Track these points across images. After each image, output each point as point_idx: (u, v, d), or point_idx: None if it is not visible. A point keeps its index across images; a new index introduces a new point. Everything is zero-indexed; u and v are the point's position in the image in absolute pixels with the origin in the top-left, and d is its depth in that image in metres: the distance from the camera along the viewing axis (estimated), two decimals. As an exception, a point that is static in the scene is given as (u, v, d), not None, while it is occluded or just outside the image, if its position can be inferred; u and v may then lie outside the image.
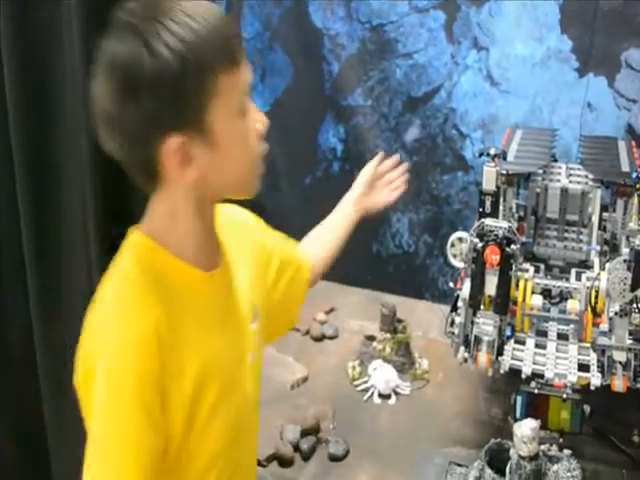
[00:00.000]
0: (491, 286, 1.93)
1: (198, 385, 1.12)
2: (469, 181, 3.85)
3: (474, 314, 1.95)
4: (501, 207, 2.14)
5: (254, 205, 4.91)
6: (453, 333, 2.02)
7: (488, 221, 1.96)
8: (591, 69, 3.30)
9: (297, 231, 4.60)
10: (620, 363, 1.76)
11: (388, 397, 2.55)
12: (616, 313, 1.81)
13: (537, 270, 2.19)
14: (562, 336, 1.99)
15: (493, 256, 1.87)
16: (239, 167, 1.23)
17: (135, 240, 1.18)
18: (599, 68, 3.30)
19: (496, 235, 1.90)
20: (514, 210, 2.34)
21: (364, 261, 4.06)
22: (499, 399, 2.32)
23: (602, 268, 1.96)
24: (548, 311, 2.03)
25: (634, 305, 1.76)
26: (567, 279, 2.18)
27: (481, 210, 2.12)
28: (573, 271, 2.22)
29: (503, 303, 1.93)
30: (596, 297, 1.89)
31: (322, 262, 1.91)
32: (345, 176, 3.83)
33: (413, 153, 3.64)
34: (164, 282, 1.15)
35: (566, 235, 2.33)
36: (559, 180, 2.34)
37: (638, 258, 1.69)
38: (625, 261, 1.72)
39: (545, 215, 2.35)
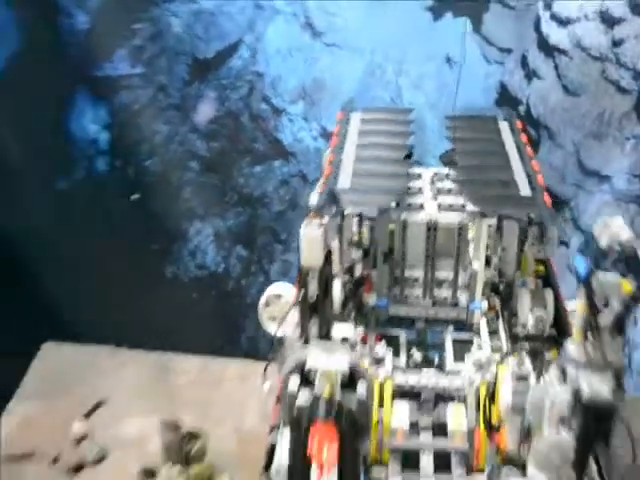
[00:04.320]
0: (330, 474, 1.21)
1: None
2: (290, 172, 3.06)
3: None
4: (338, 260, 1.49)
5: None
6: None
7: (314, 352, 1.26)
8: (449, 7, 2.49)
9: (47, 258, 3.57)
10: None
11: None
12: None
13: (396, 349, 1.54)
14: (442, 461, 1.39)
15: (324, 452, 1.16)
16: None
17: None
18: (460, 6, 2.50)
19: (329, 406, 1.19)
20: (360, 244, 1.63)
21: (154, 292, 3.12)
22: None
23: (501, 359, 1.40)
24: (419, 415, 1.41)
25: None
26: (440, 357, 1.55)
27: (302, 297, 1.35)
28: (448, 340, 1.58)
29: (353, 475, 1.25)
30: (491, 394, 1.35)
31: None
32: (115, 176, 2.85)
33: (210, 139, 2.71)
34: None
35: (436, 282, 1.59)
36: (423, 206, 1.59)
37: (591, 415, 1.15)
38: (563, 422, 1.20)
39: (405, 261, 1.58)
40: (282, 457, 1.40)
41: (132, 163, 3.26)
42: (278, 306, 1.57)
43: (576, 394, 1.27)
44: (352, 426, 1.29)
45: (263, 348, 2.79)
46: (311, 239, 1.49)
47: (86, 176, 3.41)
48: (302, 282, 1.57)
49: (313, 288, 1.54)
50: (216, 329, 3.03)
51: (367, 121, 2.11)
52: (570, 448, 1.26)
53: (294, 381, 1.32)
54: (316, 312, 1.60)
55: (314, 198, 1.61)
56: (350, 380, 1.41)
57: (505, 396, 1.41)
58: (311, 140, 3.24)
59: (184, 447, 2.20)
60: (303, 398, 1.28)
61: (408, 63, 2.95)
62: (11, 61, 3.17)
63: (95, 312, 3.13)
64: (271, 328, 1.60)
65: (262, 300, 1.59)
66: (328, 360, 1.37)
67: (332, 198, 1.61)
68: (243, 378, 2.47)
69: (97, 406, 2.53)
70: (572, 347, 1.43)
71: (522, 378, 1.46)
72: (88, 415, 2.51)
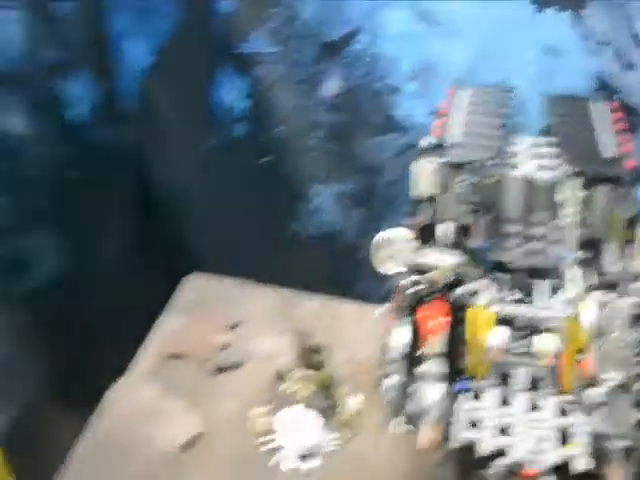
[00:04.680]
0: (435, 346, 1.56)
1: None
2: (403, 145, 3.32)
3: (412, 378, 1.61)
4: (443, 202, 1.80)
5: (136, 174, 4.05)
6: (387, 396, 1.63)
7: (426, 256, 1.66)
8: (552, 1, 2.77)
9: (192, 208, 3.99)
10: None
11: (306, 459, 2.08)
12: (613, 388, 1.45)
13: (497, 284, 1.82)
14: (533, 382, 1.67)
15: (435, 321, 1.52)
16: None
17: None
18: (562, 0, 2.79)
19: (443, 285, 1.58)
20: (464, 200, 1.90)
21: (279, 244, 3.53)
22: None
23: (584, 295, 1.66)
24: (512, 343, 1.68)
25: None
26: (532, 295, 1.81)
27: (417, 222, 1.79)
28: (546, 285, 1.84)
29: (457, 364, 1.61)
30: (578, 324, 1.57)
31: None
32: (250, 141, 3.25)
33: (333, 112, 3.06)
34: None
35: (531, 236, 1.91)
36: (521, 166, 1.93)
37: None
38: (637, 318, 1.47)
39: (503, 214, 1.92)
40: (394, 352, 1.65)
41: (265, 130, 3.59)
42: (389, 248, 1.75)
43: (638, 303, 1.52)
44: (456, 313, 1.58)
45: (373, 301, 3.08)
46: (421, 171, 1.82)
47: (225, 140, 3.79)
48: (414, 211, 1.93)
49: (424, 216, 1.90)
50: (331, 282, 3.35)
51: (474, 95, 2.45)
52: (635, 346, 1.47)
53: (408, 278, 1.63)
54: (427, 240, 1.97)
55: (424, 142, 1.95)
56: (455, 284, 1.64)
57: (589, 319, 1.60)
58: (422, 117, 3.49)
59: (312, 355, 2.63)
60: (416, 288, 1.60)
61: (512, 51, 3.12)
62: (170, 37, 3.62)
63: (230, 253, 3.61)
64: (383, 268, 1.78)
65: (374, 244, 1.79)
66: (439, 258, 1.65)
67: (440, 147, 1.96)
68: (359, 318, 2.76)
69: (236, 325, 3.02)
70: (635, 264, 1.68)
71: (604, 304, 1.63)
72: (229, 330, 3.00)
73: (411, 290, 1.60)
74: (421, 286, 1.59)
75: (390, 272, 1.71)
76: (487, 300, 1.66)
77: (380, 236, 1.74)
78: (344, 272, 3.54)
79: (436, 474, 1.87)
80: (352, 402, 2.33)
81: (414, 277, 1.63)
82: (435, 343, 1.57)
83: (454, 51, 3.02)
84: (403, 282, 1.63)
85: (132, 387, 2.63)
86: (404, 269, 1.67)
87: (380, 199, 3.57)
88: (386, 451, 2.10)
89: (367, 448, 2.14)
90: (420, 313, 1.54)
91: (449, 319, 1.55)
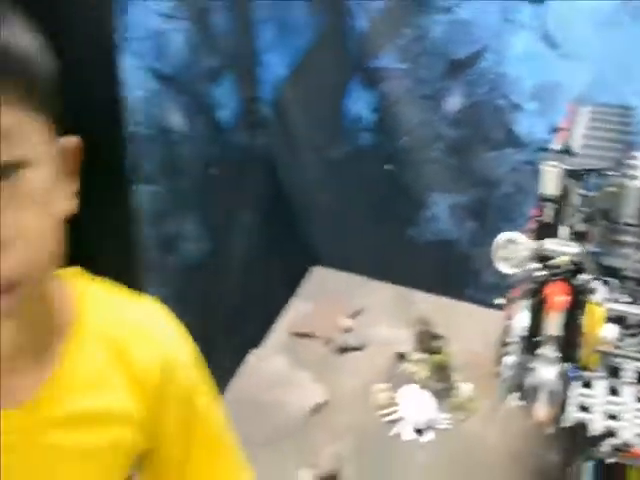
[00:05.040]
0: (554, 327, 1.69)
1: None
2: (521, 160, 3.47)
3: (531, 355, 1.72)
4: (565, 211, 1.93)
5: (268, 175, 4.41)
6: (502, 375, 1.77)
7: (550, 244, 1.75)
8: None
9: (318, 208, 4.24)
10: None
11: (422, 433, 2.30)
12: None
13: (608, 287, 1.91)
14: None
15: (558, 297, 1.65)
16: None
17: None
18: None
19: (566, 269, 1.68)
20: (581, 207, 2.08)
21: (395, 248, 3.73)
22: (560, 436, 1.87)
23: None
24: (621, 340, 1.78)
25: None
26: None
27: (539, 219, 1.96)
28: None
29: (572, 349, 1.70)
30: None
31: None
32: (376, 150, 3.50)
33: (455, 126, 3.27)
34: None
35: None
36: (638, 177, 1.98)
37: None
38: None
39: (620, 220, 2.02)
40: (514, 332, 1.79)
41: (389, 141, 3.72)
42: (510, 249, 1.81)
43: None
44: (580, 292, 1.69)
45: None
46: (548, 171, 1.95)
47: (352, 148, 3.93)
48: (539, 208, 1.98)
49: (548, 213, 1.92)
50: (442, 287, 3.47)
51: (594, 112, 2.59)
52: None
53: (533, 264, 1.75)
54: (549, 236, 1.91)
55: (552, 146, 2.09)
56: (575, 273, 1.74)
57: None
58: (541, 134, 3.55)
59: (430, 341, 2.83)
60: (541, 272, 1.72)
61: (633, 75, 3.16)
62: (307, 51, 3.84)
63: (349, 252, 3.84)
64: (503, 267, 1.85)
65: (495, 243, 1.86)
66: (562, 247, 1.76)
67: (566, 152, 2.03)
68: (474, 317, 2.95)
69: (357, 313, 3.29)
70: None
71: None
72: (353, 317, 3.28)
73: (536, 274, 1.71)
74: (545, 271, 1.70)
75: (508, 271, 1.80)
76: (601, 298, 1.76)
77: (501, 237, 1.82)
78: (456, 279, 3.72)
79: (545, 455, 2.06)
80: (465, 388, 2.47)
81: (538, 264, 1.75)
82: (554, 324, 1.67)
83: (575, 73, 3.17)
84: (528, 267, 1.74)
85: (265, 358, 2.94)
86: (520, 269, 1.78)
87: (495, 211, 3.70)
88: (497, 433, 2.26)
89: (479, 429, 2.30)
90: (547, 290, 1.66)
91: (570, 299, 1.65)
